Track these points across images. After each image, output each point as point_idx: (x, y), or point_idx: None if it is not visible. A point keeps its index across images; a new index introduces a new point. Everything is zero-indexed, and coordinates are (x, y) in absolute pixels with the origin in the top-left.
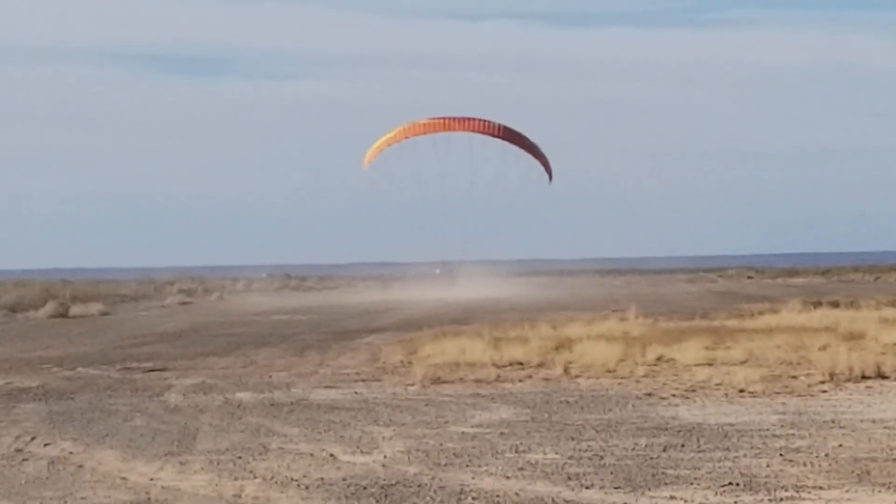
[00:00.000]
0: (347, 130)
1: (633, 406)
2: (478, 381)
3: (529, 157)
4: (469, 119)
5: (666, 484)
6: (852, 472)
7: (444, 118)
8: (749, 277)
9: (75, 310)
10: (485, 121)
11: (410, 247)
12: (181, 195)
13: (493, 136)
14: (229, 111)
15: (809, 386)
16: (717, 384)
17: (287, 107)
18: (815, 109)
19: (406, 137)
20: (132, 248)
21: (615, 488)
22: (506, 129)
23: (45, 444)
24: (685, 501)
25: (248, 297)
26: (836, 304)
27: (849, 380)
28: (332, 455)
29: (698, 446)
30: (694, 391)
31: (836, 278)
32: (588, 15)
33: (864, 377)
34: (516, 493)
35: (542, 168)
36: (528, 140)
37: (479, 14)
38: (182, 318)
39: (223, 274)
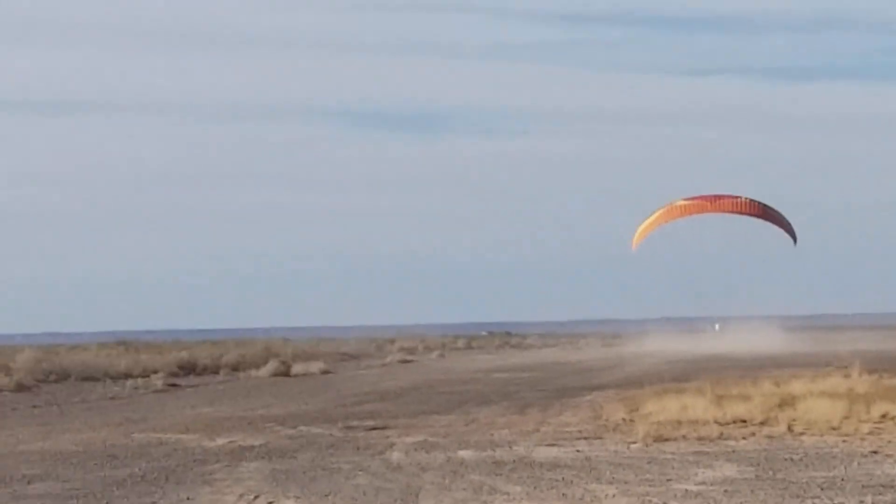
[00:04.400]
0: (570, 186)
1: (859, 464)
2: (700, 438)
3: (775, 227)
4: (720, 198)
5: None
6: None
7: (698, 199)
8: None
9: (296, 368)
10: (734, 198)
11: (637, 303)
12: (400, 253)
13: (742, 213)
14: (450, 168)
15: None
16: None
17: (509, 163)
18: None
19: (667, 221)
20: (353, 305)
21: None
22: (751, 203)
23: (269, 503)
24: None
25: (469, 354)
26: None
27: None
28: None
29: None
30: None
31: None
32: (812, 69)
33: None
34: None
35: (786, 235)
36: (773, 210)
37: (701, 69)
38: (403, 375)
39: (444, 332)
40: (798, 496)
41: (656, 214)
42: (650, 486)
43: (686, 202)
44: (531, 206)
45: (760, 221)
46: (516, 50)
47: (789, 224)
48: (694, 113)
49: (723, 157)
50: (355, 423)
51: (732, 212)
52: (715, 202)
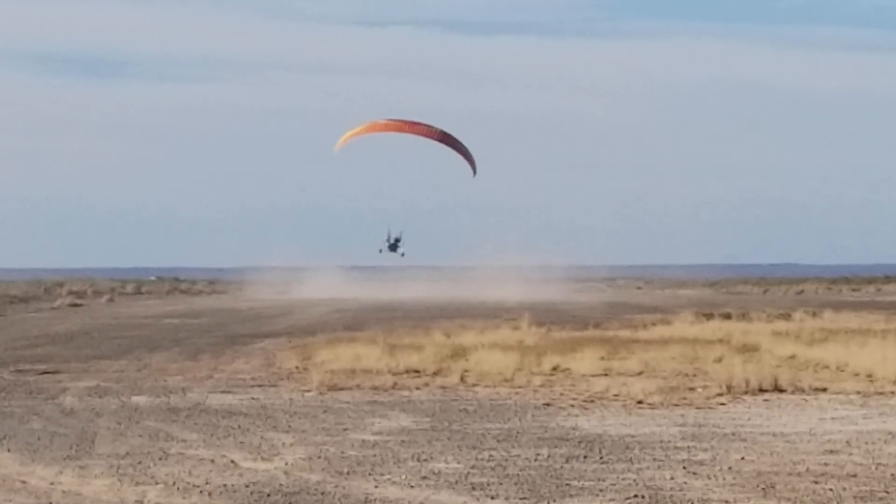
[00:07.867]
0: (244, 135)
1: (533, 416)
2: (375, 388)
3: (460, 157)
4: (417, 123)
5: (571, 495)
6: (757, 485)
7: (398, 121)
8: (638, 288)
9: None
10: (429, 126)
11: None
12: (71, 197)
13: (434, 139)
14: (126, 114)
15: (707, 398)
16: (614, 395)
17: (184, 110)
18: (710, 123)
19: (369, 133)
20: (21, 248)
21: (520, 499)
22: (443, 133)
23: None
24: None
25: (139, 300)
26: (728, 316)
27: (746, 392)
28: (232, 461)
29: (601, 457)
30: (592, 402)
31: (724, 290)
32: (489, 24)
33: (761, 390)
34: (421, 503)
35: (468, 165)
36: (461, 143)
37: (381, 20)
38: (74, 320)
39: (112, 276)
40: (475, 447)
41: (360, 127)
42: (327, 434)
43: (387, 121)
44: (206, 155)
45: (449, 150)
46: None
47: (472, 156)
48: (373, 63)
49: (401, 108)
50: (27, 366)
51: (427, 136)
52: (412, 126)
